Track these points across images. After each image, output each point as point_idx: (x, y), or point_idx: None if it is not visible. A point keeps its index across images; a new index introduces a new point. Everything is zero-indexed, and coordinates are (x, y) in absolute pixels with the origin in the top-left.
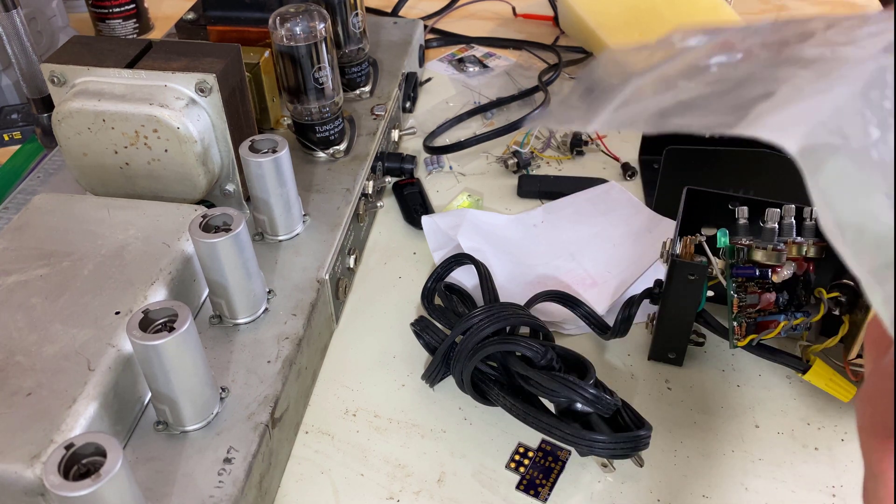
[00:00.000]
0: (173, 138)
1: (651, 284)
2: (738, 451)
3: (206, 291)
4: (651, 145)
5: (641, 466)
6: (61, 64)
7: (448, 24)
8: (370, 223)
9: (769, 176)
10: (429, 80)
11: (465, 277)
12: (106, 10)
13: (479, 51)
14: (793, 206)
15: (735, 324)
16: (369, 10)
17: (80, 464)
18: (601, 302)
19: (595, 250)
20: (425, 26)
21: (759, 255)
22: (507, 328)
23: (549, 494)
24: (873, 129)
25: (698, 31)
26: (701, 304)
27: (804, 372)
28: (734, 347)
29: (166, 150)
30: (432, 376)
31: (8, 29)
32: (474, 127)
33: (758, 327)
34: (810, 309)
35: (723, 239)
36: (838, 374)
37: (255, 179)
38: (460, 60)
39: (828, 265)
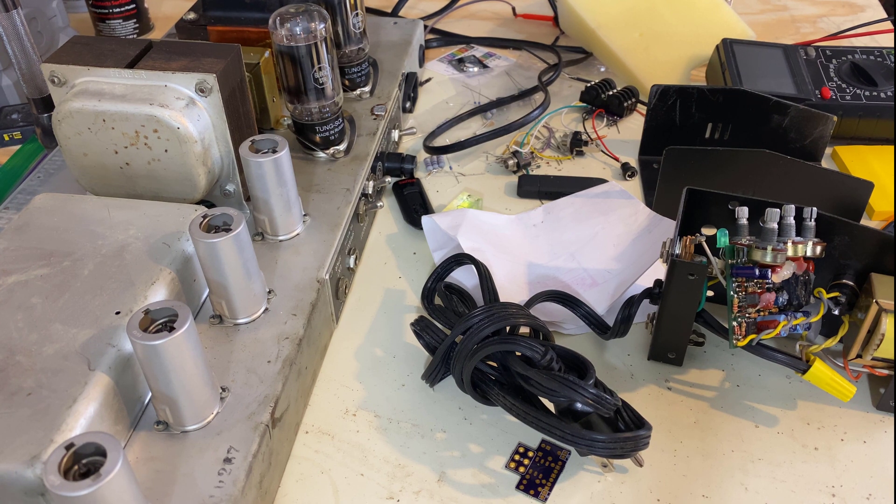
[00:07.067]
0: (173, 138)
1: (651, 284)
2: (737, 451)
3: (206, 291)
4: (651, 145)
5: (641, 466)
6: (61, 64)
7: (448, 24)
8: (370, 223)
9: (769, 176)
10: (429, 80)
11: (465, 277)
12: (106, 11)
13: (479, 51)
14: (793, 206)
15: (735, 324)
16: (369, 10)
17: (81, 464)
18: (601, 302)
19: (595, 250)
20: (425, 26)
21: (758, 255)
22: (507, 328)
23: (548, 494)
24: None
25: None
26: (701, 304)
27: (804, 372)
28: (734, 347)
29: (166, 150)
30: (432, 376)
31: (8, 29)
32: (474, 127)
33: (758, 327)
34: (810, 309)
35: (723, 239)
36: (838, 374)
37: (255, 179)
38: (460, 60)
39: (828, 265)
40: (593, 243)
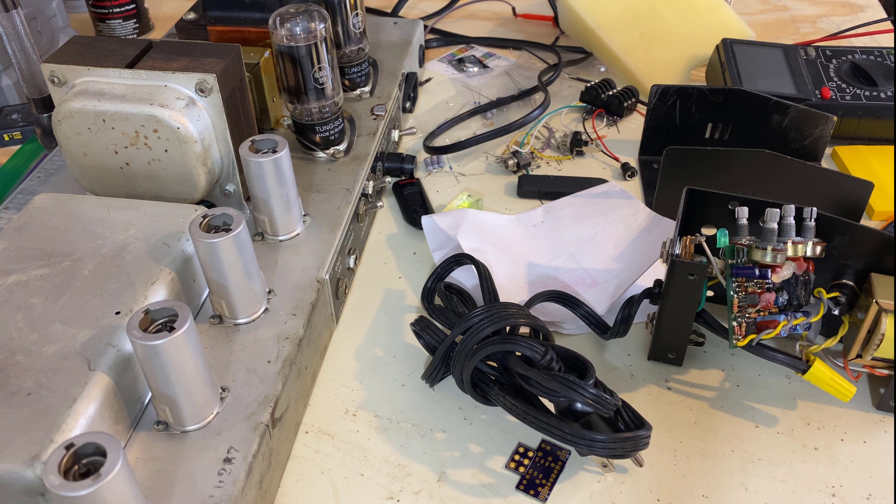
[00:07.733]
0: (173, 138)
1: (651, 284)
2: (737, 451)
3: (206, 291)
4: (651, 145)
5: (641, 466)
6: (61, 64)
7: (448, 24)
8: (370, 223)
9: (769, 176)
10: (429, 80)
11: (465, 277)
12: (106, 11)
13: (478, 51)
14: (793, 206)
15: (735, 324)
16: (369, 10)
17: (81, 464)
18: (601, 302)
19: (595, 250)
20: (425, 26)
21: (758, 255)
22: (507, 328)
23: (548, 494)
24: None
25: None
26: (701, 304)
27: (804, 372)
28: (734, 347)
29: (166, 150)
30: (432, 376)
31: (8, 29)
32: (474, 127)
33: (758, 327)
34: (810, 309)
35: (723, 239)
36: (838, 374)
37: (255, 179)
38: (460, 60)
39: (828, 265)
40: (593, 243)
